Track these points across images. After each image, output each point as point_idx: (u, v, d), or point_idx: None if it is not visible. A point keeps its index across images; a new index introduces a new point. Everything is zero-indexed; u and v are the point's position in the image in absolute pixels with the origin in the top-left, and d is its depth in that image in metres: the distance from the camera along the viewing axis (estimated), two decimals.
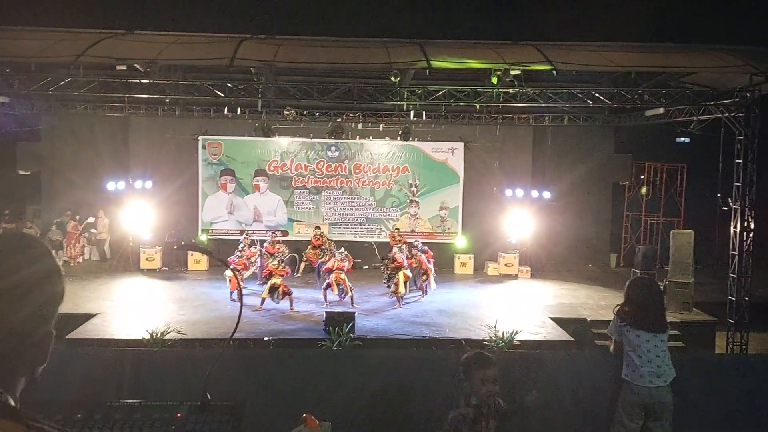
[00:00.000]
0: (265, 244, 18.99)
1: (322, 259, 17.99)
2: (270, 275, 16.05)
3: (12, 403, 1.45)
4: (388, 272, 17.42)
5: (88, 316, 14.91)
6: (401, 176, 21.83)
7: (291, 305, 16.00)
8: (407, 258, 17.42)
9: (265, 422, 3.23)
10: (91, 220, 21.62)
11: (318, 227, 20.70)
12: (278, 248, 19.28)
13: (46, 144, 21.86)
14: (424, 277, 17.89)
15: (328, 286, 16.34)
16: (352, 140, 21.67)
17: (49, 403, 2.66)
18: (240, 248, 17.94)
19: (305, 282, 18.90)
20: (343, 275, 16.39)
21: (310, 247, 19.90)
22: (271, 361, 5.82)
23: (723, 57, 15.97)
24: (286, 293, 15.94)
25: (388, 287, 17.37)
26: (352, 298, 16.33)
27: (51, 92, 17.15)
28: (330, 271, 16.47)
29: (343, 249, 17.47)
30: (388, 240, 20.97)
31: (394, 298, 16.92)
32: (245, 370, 5.23)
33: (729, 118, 16.22)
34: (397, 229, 20.92)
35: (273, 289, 15.78)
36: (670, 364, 5.68)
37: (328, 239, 20.10)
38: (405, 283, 16.92)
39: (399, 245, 18.21)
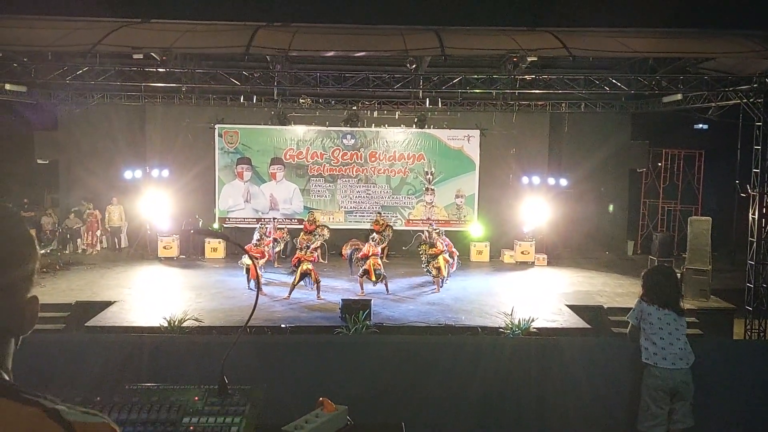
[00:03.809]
0: (269, 229, 19.09)
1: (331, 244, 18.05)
2: (299, 262, 16.04)
3: (6, 377, 1.41)
4: (427, 257, 17.47)
5: (107, 304, 15.04)
6: (417, 164, 21.80)
7: (318, 293, 15.97)
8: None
9: (282, 406, 3.24)
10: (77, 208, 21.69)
11: (311, 212, 20.71)
12: (281, 234, 19.35)
13: (64, 133, 21.96)
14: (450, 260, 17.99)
15: (365, 273, 16.28)
16: (368, 128, 21.68)
17: (69, 387, 2.69)
18: (257, 238, 17.97)
19: (321, 270, 18.95)
20: (379, 260, 16.43)
21: (303, 233, 19.85)
22: (288, 347, 5.84)
23: (741, 42, 15.79)
24: (317, 281, 15.95)
25: (428, 272, 17.44)
26: (386, 284, 16.38)
27: (68, 81, 17.25)
28: (366, 257, 16.46)
29: (375, 234, 17.56)
30: (405, 228, 21.12)
31: (433, 283, 17.22)
32: (262, 356, 5.25)
33: (747, 103, 16.09)
34: (379, 213, 21.00)
35: (304, 276, 15.78)
36: (690, 348, 5.73)
37: (321, 225, 20.15)
38: (445, 266, 17.09)
39: (383, 231, 18.37)
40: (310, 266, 15.83)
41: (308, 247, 16.41)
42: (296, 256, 16.43)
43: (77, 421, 1.31)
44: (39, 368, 4.07)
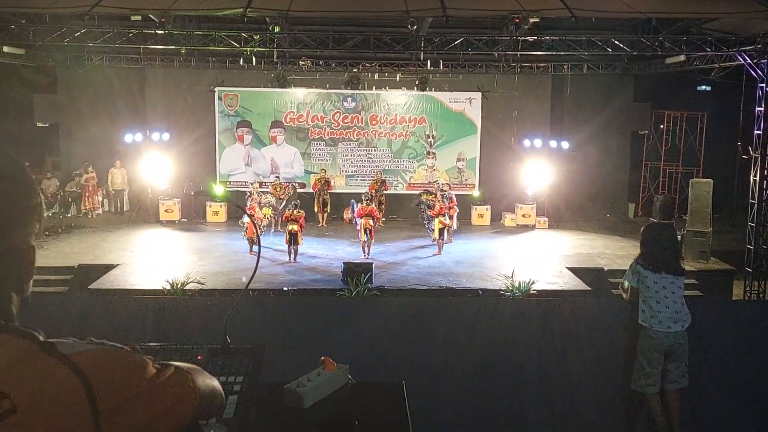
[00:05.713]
0: (269, 187, 19.16)
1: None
2: (288, 221, 16.10)
3: None
4: (427, 215, 17.60)
5: (109, 267, 15.10)
6: (418, 127, 21.70)
7: (295, 256, 16.01)
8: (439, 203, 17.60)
9: (284, 365, 3.28)
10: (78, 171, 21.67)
11: (322, 170, 20.95)
12: (280, 192, 19.33)
13: (64, 96, 21.84)
14: (450, 222, 17.99)
15: (366, 232, 16.29)
16: (369, 91, 21.51)
17: None
18: (247, 195, 18.12)
19: (323, 234, 19.03)
20: (371, 222, 16.45)
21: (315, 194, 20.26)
22: (290, 309, 5.90)
23: (746, 2, 15.62)
24: (298, 243, 15.97)
25: (429, 229, 17.74)
26: (367, 247, 16.40)
27: (66, 43, 17.12)
28: (360, 216, 16.51)
29: (367, 194, 17.74)
30: (406, 192, 21.18)
31: (434, 245, 17.33)
32: (264, 318, 5.31)
33: (750, 64, 15.97)
34: (380, 173, 21.01)
35: (291, 235, 15.81)
36: (687, 310, 5.73)
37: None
38: (442, 230, 17.09)
39: (378, 186, 18.58)
40: (296, 227, 15.82)
41: (296, 206, 16.41)
42: (285, 214, 16.51)
43: (73, 352, 1.26)
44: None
